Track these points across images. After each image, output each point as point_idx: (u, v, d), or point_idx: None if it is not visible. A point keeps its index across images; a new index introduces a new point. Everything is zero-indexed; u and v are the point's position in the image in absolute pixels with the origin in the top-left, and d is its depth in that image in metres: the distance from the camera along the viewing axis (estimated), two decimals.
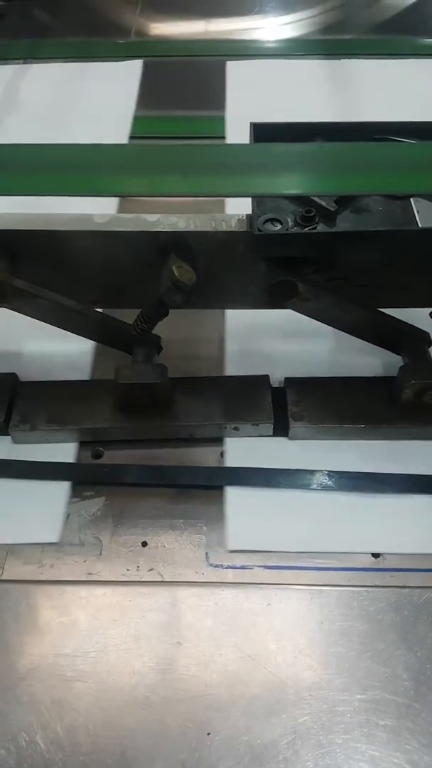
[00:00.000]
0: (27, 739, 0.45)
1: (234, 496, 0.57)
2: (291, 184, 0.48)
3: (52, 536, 0.55)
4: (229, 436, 0.61)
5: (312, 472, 0.58)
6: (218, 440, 0.61)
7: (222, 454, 0.60)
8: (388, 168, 0.47)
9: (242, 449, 0.60)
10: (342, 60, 1.07)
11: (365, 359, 0.65)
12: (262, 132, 0.58)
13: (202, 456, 0.61)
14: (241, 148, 0.51)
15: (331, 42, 1.13)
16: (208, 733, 0.45)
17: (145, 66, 1.07)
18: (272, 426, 0.61)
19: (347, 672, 0.47)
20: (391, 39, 1.13)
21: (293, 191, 0.50)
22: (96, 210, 0.57)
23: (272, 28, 1.20)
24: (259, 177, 0.49)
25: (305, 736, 0.45)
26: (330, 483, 0.58)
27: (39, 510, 0.57)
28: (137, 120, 0.97)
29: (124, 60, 1.09)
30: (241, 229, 0.56)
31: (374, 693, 0.46)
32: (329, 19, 1.20)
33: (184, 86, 1.07)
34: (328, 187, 0.48)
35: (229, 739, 0.45)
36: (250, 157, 0.50)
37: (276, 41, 1.16)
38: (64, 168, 0.50)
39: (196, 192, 0.50)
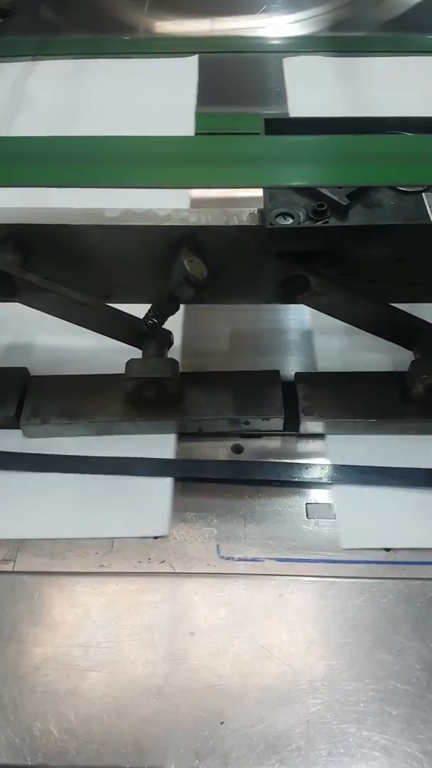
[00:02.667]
0: (41, 728, 0.45)
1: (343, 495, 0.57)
2: (302, 176, 0.49)
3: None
4: (239, 431, 0.61)
5: (322, 465, 0.59)
6: (228, 434, 0.61)
7: (235, 449, 0.60)
8: (399, 160, 0.47)
9: (253, 444, 0.61)
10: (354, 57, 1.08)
11: (376, 354, 0.65)
12: (274, 127, 0.58)
13: (212, 450, 0.61)
14: (251, 140, 0.51)
15: (339, 39, 1.14)
16: (222, 723, 0.45)
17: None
18: (282, 420, 0.61)
19: (360, 662, 0.47)
20: (402, 36, 1.13)
21: (304, 182, 0.50)
22: (107, 204, 0.57)
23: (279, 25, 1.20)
24: (269, 169, 0.49)
25: (318, 725, 0.45)
26: (340, 477, 0.58)
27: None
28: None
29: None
30: (253, 224, 0.56)
31: (387, 683, 0.46)
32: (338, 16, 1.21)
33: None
34: (341, 179, 0.48)
35: (242, 728, 0.45)
36: (261, 149, 0.51)
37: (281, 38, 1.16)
38: (68, 159, 0.50)
39: (206, 183, 0.50)
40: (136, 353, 0.61)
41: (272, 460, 0.60)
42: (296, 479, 0.58)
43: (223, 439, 0.61)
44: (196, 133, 0.91)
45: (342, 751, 0.44)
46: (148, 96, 1.01)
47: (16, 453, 0.60)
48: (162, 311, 0.58)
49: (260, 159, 0.49)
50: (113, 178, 0.48)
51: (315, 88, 1.01)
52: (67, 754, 0.44)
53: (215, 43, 1.16)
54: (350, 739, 0.44)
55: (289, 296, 0.58)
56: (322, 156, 0.48)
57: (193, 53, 1.10)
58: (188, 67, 1.07)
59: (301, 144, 0.49)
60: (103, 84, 1.04)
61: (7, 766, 0.44)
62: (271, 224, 0.53)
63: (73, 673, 0.47)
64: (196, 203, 0.76)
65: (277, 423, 0.61)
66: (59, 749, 0.44)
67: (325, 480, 0.58)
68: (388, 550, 0.54)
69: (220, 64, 1.10)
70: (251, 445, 0.61)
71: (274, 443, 0.61)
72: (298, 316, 0.70)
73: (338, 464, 0.59)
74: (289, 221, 0.54)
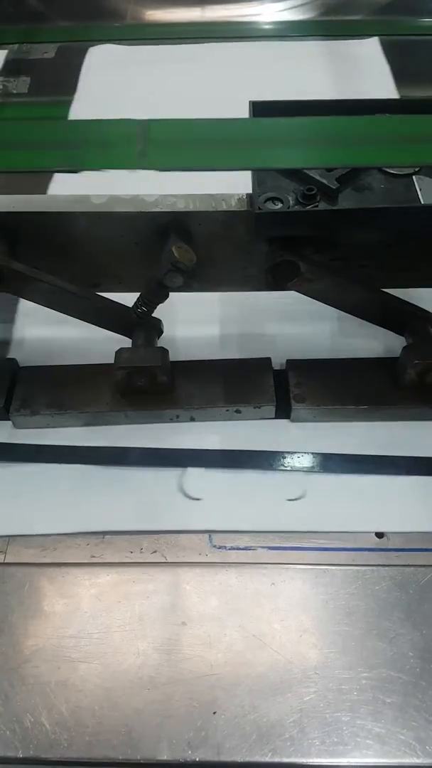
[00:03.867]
0: (32, 720, 0.44)
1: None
2: (291, 158, 0.48)
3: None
4: (230, 419, 0.61)
5: (314, 453, 0.58)
6: (220, 423, 0.61)
7: (224, 437, 0.60)
8: (389, 141, 0.46)
9: (244, 432, 0.60)
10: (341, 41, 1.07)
11: (367, 340, 0.64)
12: (261, 110, 0.57)
13: (204, 439, 0.60)
14: (238, 123, 0.50)
15: (328, 23, 1.12)
16: (214, 712, 0.45)
17: None
18: (274, 408, 0.60)
19: (353, 650, 0.47)
20: (389, 20, 1.12)
21: (293, 165, 0.50)
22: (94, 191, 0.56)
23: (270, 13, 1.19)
24: (257, 151, 0.48)
25: (311, 714, 0.44)
26: (331, 465, 0.58)
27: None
28: None
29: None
30: (242, 209, 0.55)
31: (380, 671, 0.46)
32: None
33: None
34: (331, 160, 0.48)
35: (234, 718, 0.44)
36: (248, 132, 0.50)
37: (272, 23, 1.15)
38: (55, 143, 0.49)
39: (193, 166, 0.49)
40: (126, 342, 0.60)
41: (264, 448, 0.59)
42: (288, 468, 0.58)
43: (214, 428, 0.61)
44: None
45: (335, 739, 0.44)
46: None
47: (6, 444, 0.60)
48: (151, 299, 0.58)
49: (248, 141, 0.48)
50: (101, 161, 0.47)
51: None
52: (58, 746, 0.44)
53: (213, 29, 1.14)
54: (344, 728, 0.44)
55: (279, 283, 0.58)
56: (311, 138, 0.48)
57: (184, 39, 1.09)
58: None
59: (290, 126, 0.48)
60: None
61: None
62: (260, 209, 0.53)
63: (64, 664, 0.47)
64: None
65: (269, 411, 0.60)
66: (51, 741, 0.44)
67: (316, 468, 0.58)
68: (380, 536, 0.53)
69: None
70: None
71: (266, 431, 0.60)
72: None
73: (330, 452, 0.58)
74: (278, 206, 0.53)
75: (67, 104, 0.96)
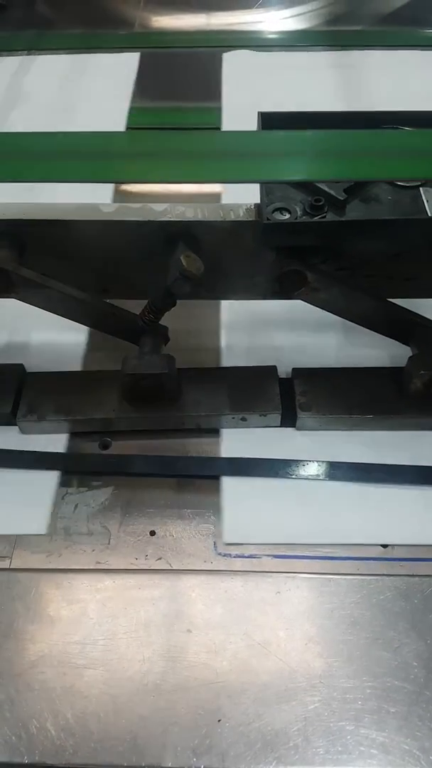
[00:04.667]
0: (38, 725, 0.45)
1: (231, 487, 0.57)
2: (299, 171, 0.48)
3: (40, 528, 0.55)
4: (236, 427, 0.61)
5: (319, 462, 0.58)
6: (226, 431, 0.61)
7: (229, 445, 0.60)
8: (396, 154, 0.47)
9: (250, 440, 0.60)
10: (347, 51, 1.07)
11: (373, 350, 0.65)
12: (270, 121, 0.58)
13: (209, 447, 0.61)
14: (246, 135, 0.51)
15: (335, 33, 1.13)
16: (219, 720, 0.45)
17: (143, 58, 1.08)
18: (280, 416, 0.61)
19: (357, 660, 0.47)
20: (395, 30, 1.13)
21: (301, 177, 0.50)
22: (96, 198, 0.57)
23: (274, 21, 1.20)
24: (266, 163, 0.49)
25: (316, 722, 0.45)
26: (337, 473, 0.58)
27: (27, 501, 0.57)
28: (134, 111, 0.97)
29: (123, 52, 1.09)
30: (250, 219, 0.55)
31: (385, 680, 0.46)
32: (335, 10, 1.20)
33: (182, 77, 1.07)
34: (338, 173, 0.48)
35: (239, 726, 0.45)
36: (256, 144, 0.50)
37: (277, 32, 1.15)
38: (67, 155, 0.50)
39: (201, 178, 0.49)
40: (133, 349, 0.61)
41: (269, 457, 0.59)
42: (293, 476, 0.58)
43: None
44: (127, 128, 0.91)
45: (340, 748, 0.44)
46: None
47: (13, 450, 0.60)
48: (158, 307, 0.58)
49: (257, 154, 0.48)
50: (112, 173, 0.48)
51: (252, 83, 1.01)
52: (64, 752, 0.44)
53: (213, 38, 1.15)
54: (348, 737, 0.44)
55: (286, 292, 0.58)
56: (319, 151, 0.48)
57: (193, 47, 1.10)
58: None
59: (298, 138, 0.49)
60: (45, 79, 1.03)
61: (4, 764, 0.43)
62: (268, 219, 0.53)
63: (69, 670, 0.47)
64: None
65: (275, 419, 0.61)
66: (56, 747, 0.44)
67: (322, 476, 0.58)
68: (385, 546, 0.53)
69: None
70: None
71: (271, 439, 0.61)
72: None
73: (335, 461, 0.59)
74: (286, 216, 0.53)
75: None
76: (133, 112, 0.97)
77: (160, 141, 0.51)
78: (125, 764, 0.44)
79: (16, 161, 0.48)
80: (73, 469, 0.59)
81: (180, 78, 1.06)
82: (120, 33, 1.17)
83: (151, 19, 1.22)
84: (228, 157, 0.48)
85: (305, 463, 0.59)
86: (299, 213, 0.53)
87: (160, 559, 0.53)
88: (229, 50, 1.09)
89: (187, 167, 0.49)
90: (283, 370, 0.63)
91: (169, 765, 0.43)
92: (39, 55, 1.08)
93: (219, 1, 1.24)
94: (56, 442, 0.60)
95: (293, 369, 0.63)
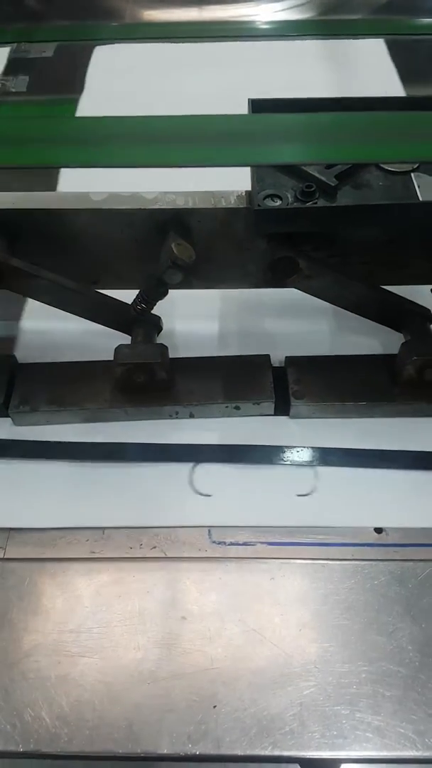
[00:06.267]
0: (32, 714, 0.45)
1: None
2: (290, 154, 0.48)
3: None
4: (230, 416, 0.61)
5: (313, 448, 0.58)
6: (219, 420, 0.61)
7: (223, 433, 0.60)
8: (387, 137, 0.47)
9: (244, 428, 0.60)
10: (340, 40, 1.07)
11: (366, 337, 0.65)
12: (260, 108, 0.57)
13: (203, 435, 0.60)
14: (235, 118, 0.51)
15: (328, 22, 1.13)
16: (214, 706, 0.45)
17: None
18: (273, 405, 0.61)
19: (352, 644, 0.47)
20: (389, 19, 1.13)
21: (292, 160, 0.50)
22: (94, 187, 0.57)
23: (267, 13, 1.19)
24: (256, 147, 0.48)
25: (311, 707, 0.45)
26: (331, 459, 0.58)
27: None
28: None
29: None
30: (241, 206, 0.55)
31: (380, 665, 0.46)
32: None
33: None
34: (329, 156, 0.48)
35: (235, 712, 0.45)
36: (246, 127, 0.50)
37: (270, 22, 1.15)
38: (57, 140, 0.49)
39: (191, 162, 0.49)
40: (125, 339, 0.60)
41: (263, 443, 0.59)
42: (287, 462, 0.58)
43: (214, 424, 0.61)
44: None
45: (335, 732, 0.44)
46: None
47: (6, 440, 0.60)
48: (150, 296, 0.58)
49: (246, 137, 0.48)
50: (99, 157, 0.47)
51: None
52: (59, 740, 0.44)
53: (209, 29, 1.15)
54: (343, 721, 0.44)
55: (278, 279, 0.58)
56: (310, 134, 0.48)
57: (182, 39, 1.09)
58: None
59: (288, 122, 0.49)
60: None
61: None
62: (259, 206, 0.53)
63: (64, 659, 0.47)
64: None
65: (268, 407, 0.61)
66: (51, 735, 0.44)
67: (315, 463, 0.58)
68: (379, 531, 0.54)
69: None
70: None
71: (265, 427, 0.61)
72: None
73: (329, 447, 0.59)
74: (277, 203, 0.53)
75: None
76: None
77: (140, 125, 0.50)
78: (121, 751, 0.44)
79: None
80: (67, 458, 0.59)
81: None
82: (111, 24, 1.16)
83: (142, 12, 1.21)
84: (216, 141, 0.48)
85: (299, 449, 0.59)
86: (290, 199, 0.53)
87: (154, 548, 0.53)
88: (219, 41, 1.09)
89: (172, 151, 0.48)
90: (276, 359, 0.63)
91: (165, 752, 0.43)
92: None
93: None
94: (49, 433, 0.60)
95: (286, 357, 0.63)
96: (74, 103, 0.96)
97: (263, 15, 1.19)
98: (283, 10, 1.20)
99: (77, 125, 0.52)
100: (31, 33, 1.09)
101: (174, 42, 1.09)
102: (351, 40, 1.07)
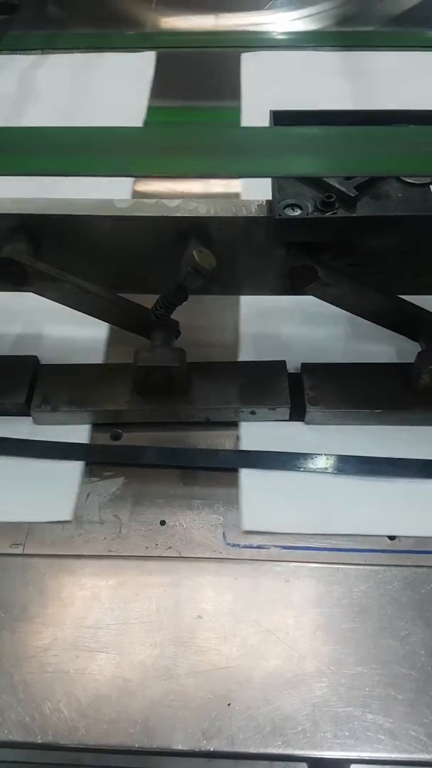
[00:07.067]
0: (51, 707, 0.45)
1: (248, 478, 0.58)
2: (311, 166, 0.49)
3: (65, 515, 0.56)
4: (245, 420, 0.62)
5: (327, 456, 0.59)
6: (235, 424, 0.62)
7: (238, 438, 0.61)
8: (406, 151, 0.48)
9: (259, 433, 0.61)
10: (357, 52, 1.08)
11: (382, 345, 0.65)
12: (282, 120, 0.59)
13: (219, 439, 0.62)
14: (258, 131, 0.52)
15: (345, 34, 1.14)
16: (229, 704, 0.46)
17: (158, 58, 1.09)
18: (288, 410, 0.61)
19: (365, 647, 0.48)
20: (405, 31, 1.14)
21: (313, 173, 0.51)
22: (114, 195, 0.58)
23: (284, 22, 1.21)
24: (278, 159, 0.50)
25: (324, 708, 0.45)
26: (345, 467, 0.59)
27: (55, 489, 0.58)
28: (151, 110, 0.98)
29: (138, 51, 1.10)
30: (262, 215, 0.56)
31: (392, 668, 0.47)
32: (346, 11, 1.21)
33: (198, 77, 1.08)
34: (349, 169, 0.49)
35: (248, 710, 0.45)
36: (269, 140, 0.51)
37: (289, 33, 1.17)
38: (84, 149, 0.51)
39: (212, 173, 0.50)
40: (144, 343, 0.61)
41: (278, 450, 0.60)
42: (302, 469, 0.59)
43: (229, 429, 0.62)
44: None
45: (347, 733, 0.45)
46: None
47: (27, 440, 0.61)
48: (170, 301, 0.59)
49: (269, 149, 0.49)
50: (117, 167, 0.49)
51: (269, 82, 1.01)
52: (76, 733, 0.45)
53: (220, 39, 1.16)
54: (355, 722, 0.45)
55: (297, 287, 0.59)
56: (331, 146, 0.49)
57: (200, 47, 1.11)
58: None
59: (309, 135, 0.50)
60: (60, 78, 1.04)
61: (17, 743, 0.44)
62: (280, 215, 0.54)
63: (82, 653, 0.48)
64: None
65: (284, 413, 0.62)
66: (69, 728, 0.45)
67: (330, 470, 0.59)
68: (392, 538, 0.54)
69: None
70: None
71: (279, 432, 0.61)
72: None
73: (343, 454, 0.59)
74: (298, 212, 0.54)
75: None
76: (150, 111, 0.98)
77: (173, 135, 0.52)
78: (136, 746, 0.44)
79: (37, 155, 0.49)
80: (85, 459, 0.60)
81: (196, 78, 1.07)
82: (131, 33, 1.18)
83: (161, 20, 1.23)
84: (240, 152, 0.49)
85: (314, 456, 0.59)
86: (310, 209, 0.54)
87: (170, 548, 0.54)
88: (246, 50, 1.10)
89: (199, 162, 0.50)
90: (292, 365, 0.64)
91: (180, 747, 0.44)
92: (52, 54, 1.09)
93: (229, 3, 1.25)
94: (69, 433, 0.61)
95: (302, 364, 0.64)
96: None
97: (280, 24, 1.20)
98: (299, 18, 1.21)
99: (83, 134, 0.53)
100: (56, 40, 1.11)
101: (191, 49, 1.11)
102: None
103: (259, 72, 1.05)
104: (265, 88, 1.00)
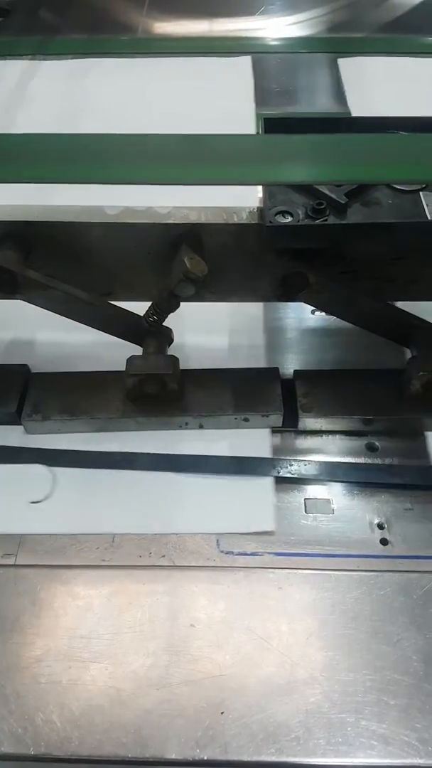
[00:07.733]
0: (43, 718, 0.45)
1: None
2: (301, 173, 0.49)
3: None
4: (239, 427, 0.62)
5: (320, 462, 0.60)
6: (228, 431, 0.62)
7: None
8: (397, 158, 0.48)
9: (250, 440, 0.61)
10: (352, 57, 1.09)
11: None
12: (274, 126, 0.59)
13: (212, 446, 0.61)
14: (248, 139, 0.52)
15: (336, 40, 1.15)
16: (222, 713, 0.46)
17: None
18: (282, 417, 0.62)
19: (358, 653, 0.48)
20: (400, 37, 1.15)
21: (303, 179, 0.51)
22: (109, 202, 0.58)
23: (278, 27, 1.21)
24: (269, 166, 0.50)
25: (317, 714, 0.45)
26: (338, 473, 0.59)
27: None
28: None
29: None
30: (252, 222, 0.57)
31: (385, 674, 0.47)
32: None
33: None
34: (340, 176, 0.49)
35: (242, 718, 0.45)
36: (259, 147, 0.51)
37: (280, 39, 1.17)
38: (71, 156, 0.51)
39: (205, 180, 0.50)
40: (137, 350, 0.62)
41: (271, 456, 0.60)
42: (295, 476, 0.59)
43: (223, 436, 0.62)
44: None
45: (340, 740, 0.45)
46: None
47: (18, 447, 0.61)
48: (162, 309, 0.59)
49: (259, 156, 0.49)
50: (118, 174, 0.49)
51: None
52: (69, 744, 0.44)
53: (216, 45, 1.16)
54: (348, 729, 0.45)
55: (289, 294, 0.59)
56: (321, 154, 0.49)
57: (192, 54, 1.11)
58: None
59: (300, 142, 0.50)
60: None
61: (10, 755, 0.44)
62: (270, 222, 0.54)
63: (75, 664, 0.48)
64: None
65: (276, 419, 0.62)
66: (61, 739, 0.45)
67: (323, 477, 0.59)
68: (384, 543, 0.54)
69: None
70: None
71: (275, 440, 0.62)
72: (297, 313, 0.71)
73: (336, 461, 0.60)
74: (288, 219, 0.54)
75: None
76: None
77: (159, 144, 0.51)
78: (129, 756, 0.44)
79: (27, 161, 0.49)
80: (73, 466, 0.60)
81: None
82: (123, 38, 1.18)
83: (153, 25, 1.23)
84: (230, 160, 0.49)
85: (307, 462, 0.59)
86: (301, 216, 0.55)
87: (163, 556, 0.54)
88: (237, 56, 1.10)
89: (188, 169, 0.50)
90: (285, 372, 0.64)
91: (173, 756, 0.44)
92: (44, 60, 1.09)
93: (220, 9, 1.25)
94: (57, 441, 0.61)
95: (295, 371, 0.64)
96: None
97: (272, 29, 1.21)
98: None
99: (89, 141, 0.53)
100: (48, 46, 1.11)
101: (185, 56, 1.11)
102: None
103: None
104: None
